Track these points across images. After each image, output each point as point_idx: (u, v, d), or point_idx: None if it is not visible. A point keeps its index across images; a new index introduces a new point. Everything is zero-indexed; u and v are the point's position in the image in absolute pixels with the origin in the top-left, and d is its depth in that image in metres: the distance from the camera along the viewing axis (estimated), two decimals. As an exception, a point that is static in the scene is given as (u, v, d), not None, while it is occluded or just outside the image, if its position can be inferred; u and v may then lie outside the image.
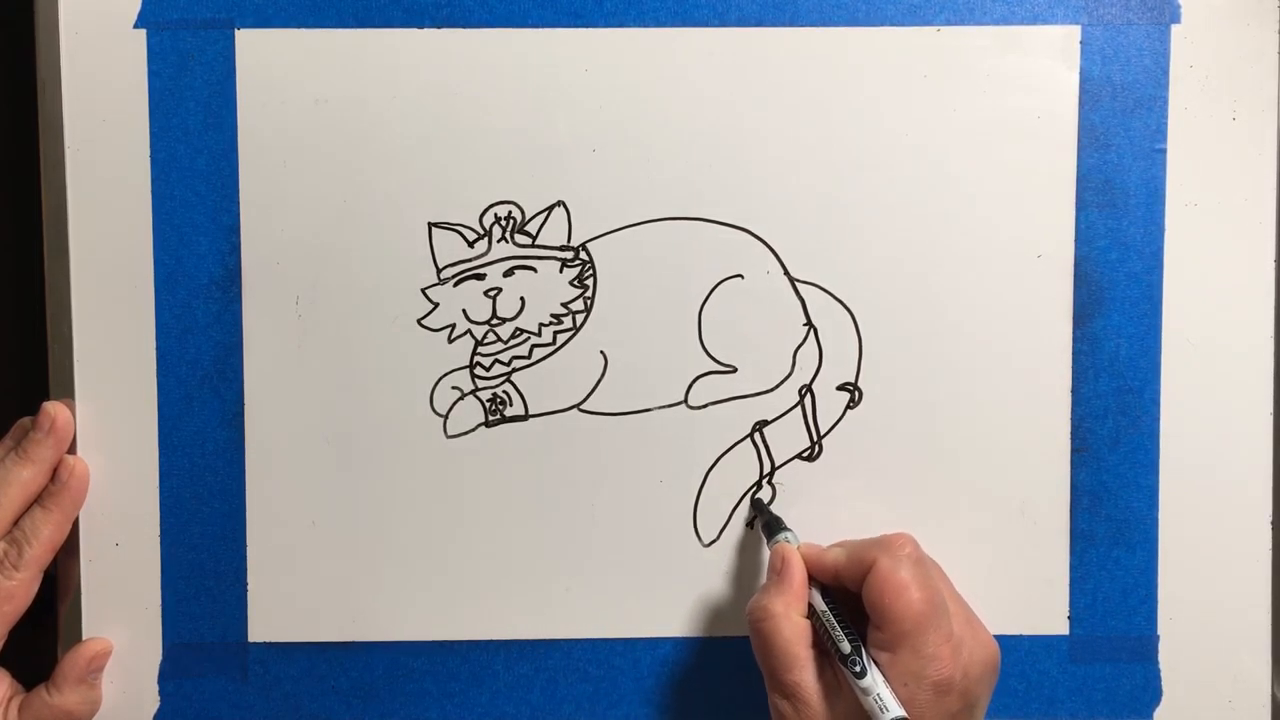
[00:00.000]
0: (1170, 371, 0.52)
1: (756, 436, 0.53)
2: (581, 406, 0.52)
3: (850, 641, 0.46)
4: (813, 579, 0.49)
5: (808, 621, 0.48)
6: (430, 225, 0.52)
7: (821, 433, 0.53)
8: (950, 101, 0.52)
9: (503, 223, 0.52)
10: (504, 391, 0.52)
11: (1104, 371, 0.52)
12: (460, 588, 0.52)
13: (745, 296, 0.52)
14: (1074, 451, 0.52)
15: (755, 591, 0.52)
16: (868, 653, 0.45)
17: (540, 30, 0.51)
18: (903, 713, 0.43)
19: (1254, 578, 0.53)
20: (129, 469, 0.52)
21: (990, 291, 0.52)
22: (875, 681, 0.44)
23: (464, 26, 0.51)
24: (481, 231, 0.52)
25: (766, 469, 0.53)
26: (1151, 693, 0.53)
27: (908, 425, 0.52)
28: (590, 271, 0.52)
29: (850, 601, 0.48)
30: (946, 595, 0.47)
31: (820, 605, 0.48)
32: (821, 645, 0.47)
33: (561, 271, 0.52)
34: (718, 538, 0.53)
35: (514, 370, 0.52)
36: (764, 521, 0.52)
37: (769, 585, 0.49)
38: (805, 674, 0.46)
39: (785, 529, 0.50)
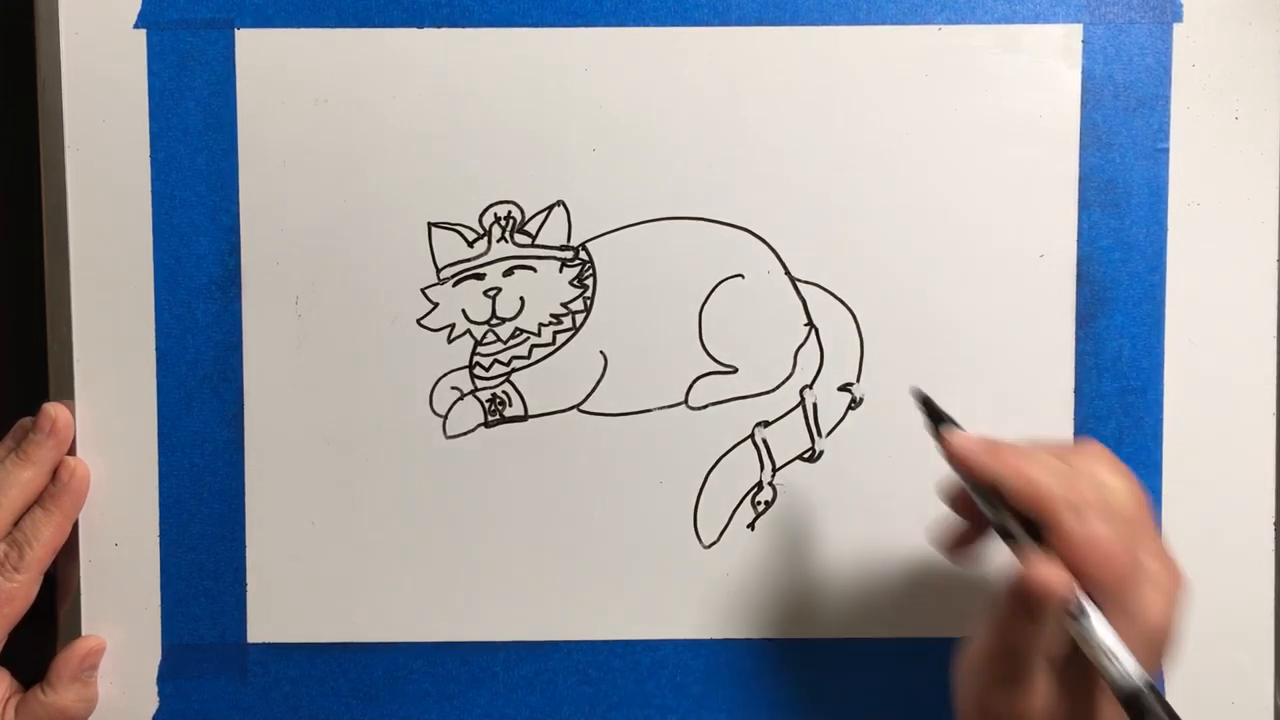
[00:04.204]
0: (1173, 371, 0.52)
1: (757, 437, 0.52)
2: (581, 407, 0.52)
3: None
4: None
5: None
6: (430, 225, 0.52)
7: (822, 433, 0.52)
8: (951, 101, 0.51)
9: (502, 222, 0.52)
10: (504, 392, 0.52)
11: (1107, 372, 0.52)
12: (460, 588, 0.52)
13: (745, 296, 0.52)
14: (1076, 452, 0.52)
15: (757, 592, 0.52)
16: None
17: (540, 30, 0.51)
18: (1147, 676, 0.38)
19: (1256, 578, 0.52)
20: (129, 469, 0.52)
21: (992, 292, 0.52)
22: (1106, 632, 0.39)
23: (464, 26, 0.51)
24: (481, 231, 0.52)
25: (767, 470, 0.52)
26: (1154, 695, 0.53)
27: (909, 426, 0.52)
28: (590, 271, 0.52)
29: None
30: (1141, 533, 0.41)
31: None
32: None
33: (561, 271, 0.52)
34: (718, 539, 0.53)
35: (514, 370, 0.52)
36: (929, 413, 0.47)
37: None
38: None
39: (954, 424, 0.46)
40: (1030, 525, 0.41)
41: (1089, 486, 0.41)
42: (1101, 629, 0.39)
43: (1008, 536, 0.42)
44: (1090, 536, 0.39)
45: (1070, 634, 0.40)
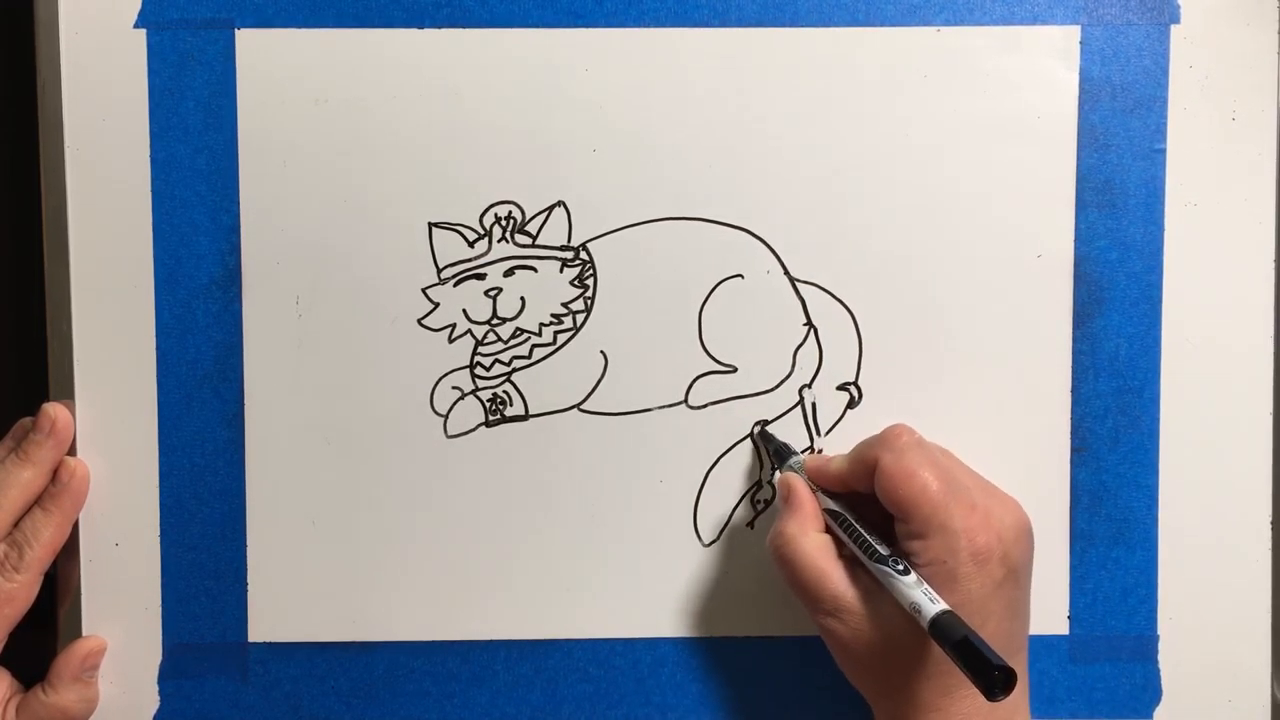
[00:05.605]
0: (1170, 371, 0.52)
1: (757, 436, 0.53)
2: (581, 406, 0.52)
3: (885, 545, 0.46)
4: (829, 493, 0.49)
5: (827, 536, 0.48)
6: (430, 225, 0.52)
7: (821, 432, 0.53)
8: (950, 101, 0.52)
9: (503, 223, 0.52)
10: (504, 391, 0.52)
11: (1104, 371, 0.52)
12: (460, 588, 0.52)
13: (745, 296, 0.52)
14: (1074, 451, 0.53)
15: (756, 590, 0.52)
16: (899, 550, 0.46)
17: (540, 30, 0.51)
18: (946, 606, 0.43)
19: (1254, 577, 0.53)
20: (129, 469, 0.52)
21: (990, 291, 0.52)
22: (918, 578, 0.44)
23: (464, 26, 0.51)
24: (482, 231, 0.52)
25: (767, 469, 0.53)
26: (1151, 692, 0.53)
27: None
28: (590, 271, 0.52)
29: (867, 504, 0.48)
30: (957, 471, 0.47)
31: (843, 514, 0.48)
32: (848, 555, 0.47)
33: (562, 271, 0.52)
34: (718, 538, 0.53)
35: (514, 370, 0.52)
36: (772, 450, 0.52)
37: (780, 514, 0.49)
38: (840, 584, 0.46)
39: (793, 453, 0.51)
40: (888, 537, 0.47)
41: (908, 437, 0.48)
42: (858, 524, 0.47)
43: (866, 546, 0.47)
44: (903, 466, 0.46)
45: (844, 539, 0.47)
